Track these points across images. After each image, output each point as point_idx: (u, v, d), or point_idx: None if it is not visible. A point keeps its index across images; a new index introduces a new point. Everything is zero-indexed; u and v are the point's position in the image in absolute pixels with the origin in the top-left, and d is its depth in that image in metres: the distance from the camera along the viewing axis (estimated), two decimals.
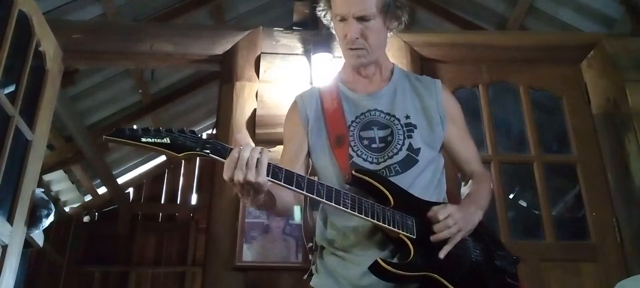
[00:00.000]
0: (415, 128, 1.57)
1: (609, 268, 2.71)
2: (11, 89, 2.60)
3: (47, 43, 2.89)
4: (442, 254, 1.36)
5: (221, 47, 3.15)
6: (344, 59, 1.67)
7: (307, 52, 3.09)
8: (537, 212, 3.08)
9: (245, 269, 2.62)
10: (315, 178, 1.40)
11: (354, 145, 1.54)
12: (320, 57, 3.01)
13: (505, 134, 3.52)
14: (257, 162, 1.23)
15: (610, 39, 3.14)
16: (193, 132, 1.27)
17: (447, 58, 3.17)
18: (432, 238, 1.37)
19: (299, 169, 1.55)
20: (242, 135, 1.32)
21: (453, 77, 3.12)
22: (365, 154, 1.53)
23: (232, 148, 1.25)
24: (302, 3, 3.40)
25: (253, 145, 1.27)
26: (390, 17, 1.60)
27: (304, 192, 1.29)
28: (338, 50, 3.05)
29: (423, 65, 3.08)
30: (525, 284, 1.56)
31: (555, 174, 3.50)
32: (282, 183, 1.27)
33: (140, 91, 4.98)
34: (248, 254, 2.64)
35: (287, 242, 2.68)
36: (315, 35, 3.15)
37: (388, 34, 1.64)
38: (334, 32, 1.65)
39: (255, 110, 2.92)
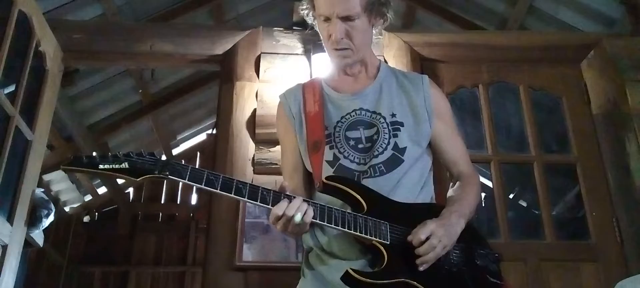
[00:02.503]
0: (402, 126, 1.54)
1: (609, 268, 2.71)
2: (11, 89, 2.60)
3: (47, 43, 2.89)
4: (421, 268, 1.33)
5: (221, 47, 3.15)
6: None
7: (307, 52, 3.08)
8: (537, 212, 3.08)
9: (245, 269, 2.62)
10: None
11: (341, 146, 1.52)
12: (320, 57, 3.00)
13: (505, 134, 3.52)
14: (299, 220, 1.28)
15: (610, 39, 3.14)
16: (152, 154, 1.27)
17: (447, 58, 3.16)
18: (418, 261, 1.33)
19: (301, 180, 1.57)
20: (287, 185, 1.35)
21: (453, 77, 3.12)
22: (352, 155, 1.51)
23: (191, 167, 1.27)
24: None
25: (299, 201, 1.30)
26: (375, 14, 1.57)
27: (270, 207, 1.30)
28: None
29: (423, 65, 3.08)
30: (509, 282, 1.52)
31: (555, 174, 3.50)
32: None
33: (140, 91, 4.98)
34: (248, 254, 2.64)
35: (287, 242, 2.68)
36: (315, 35, 3.11)
37: (373, 30, 1.61)
38: (317, 30, 1.62)
39: (255, 110, 2.92)
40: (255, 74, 3.04)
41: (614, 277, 2.49)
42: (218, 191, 1.27)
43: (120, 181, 6.57)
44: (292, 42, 3.15)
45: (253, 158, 2.83)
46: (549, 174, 3.02)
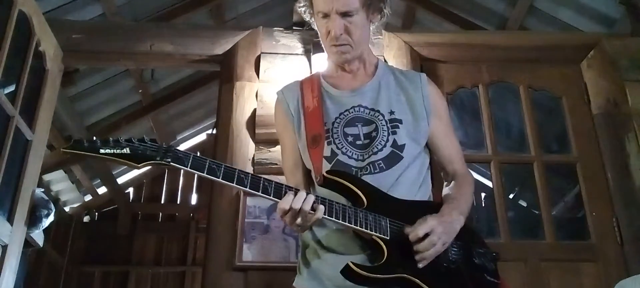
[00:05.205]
0: (401, 123, 1.54)
1: (609, 268, 2.70)
2: (11, 89, 2.60)
3: (47, 43, 2.89)
4: (421, 264, 1.34)
5: (221, 47, 3.15)
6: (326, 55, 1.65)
7: (307, 52, 3.09)
8: (537, 212, 3.08)
9: (245, 269, 2.62)
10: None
11: (339, 142, 1.52)
12: (320, 57, 3.00)
13: (505, 134, 3.52)
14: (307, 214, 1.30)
15: (610, 39, 3.14)
16: (154, 140, 1.27)
17: (447, 58, 3.16)
18: (417, 257, 1.34)
19: (302, 176, 1.57)
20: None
21: (453, 77, 3.11)
22: (350, 151, 1.51)
23: (193, 155, 1.27)
24: None
25: (304, 194, 1.30)
26: (373, 10, 1.58)
27: (272, 197, 1.30)
28: None
29: (423, 65, 3.08)
30: (506, 282, 1.53)
31: (555, 174, 3.50)
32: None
33: (140, 91, 4.98)
34: (248, 254, 2.64)
35: (287, 242, 2.68)
36: (315, 35, 3.12)
37: (371, 27, 1.61)
38: (315, 28, 1.63)
39: (255, 110, 2.92)
40: (255, 74, 3.04)
41: (614, 277, 2.50)
42: (220, 180, 1.26)
43: (120, 180, 6.58)
44: (292, 42, 3.15)
45: (253, 158, 2.83)
46: (549, 174, 3.02)
